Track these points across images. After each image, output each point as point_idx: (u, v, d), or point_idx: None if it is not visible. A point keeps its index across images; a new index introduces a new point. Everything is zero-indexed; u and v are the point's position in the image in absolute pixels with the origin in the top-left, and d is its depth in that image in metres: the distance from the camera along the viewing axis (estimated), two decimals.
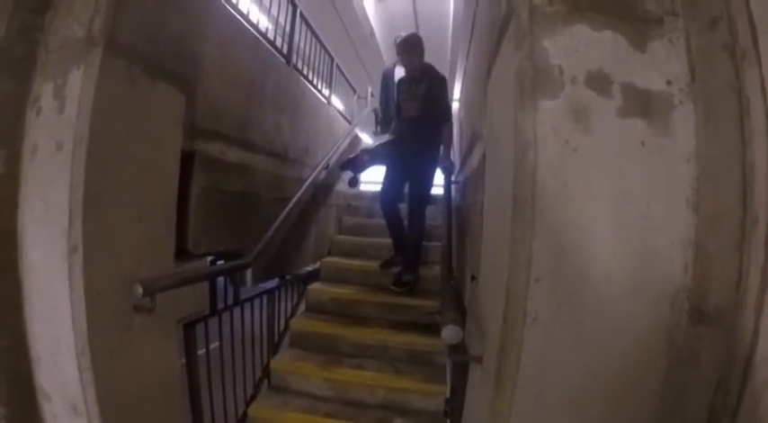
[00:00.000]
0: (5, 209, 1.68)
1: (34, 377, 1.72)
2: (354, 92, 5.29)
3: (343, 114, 4.82)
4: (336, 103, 4.66)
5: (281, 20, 3.16)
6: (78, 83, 1.53)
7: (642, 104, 0.95)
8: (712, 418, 0.89)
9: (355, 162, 3.75)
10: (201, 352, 2.04)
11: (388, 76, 3.95)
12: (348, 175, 3.98)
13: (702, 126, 0.94)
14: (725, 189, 0.89)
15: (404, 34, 3.18)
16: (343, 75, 4.86)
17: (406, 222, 3.23)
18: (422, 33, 3.59)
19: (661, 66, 0.97)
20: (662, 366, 0.94)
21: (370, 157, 3.67)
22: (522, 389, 0.95)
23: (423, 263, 3.28)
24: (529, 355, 0.94)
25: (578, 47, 0.96)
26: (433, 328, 2.44)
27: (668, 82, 0.96)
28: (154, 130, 1.76)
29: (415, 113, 3.12)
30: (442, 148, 3.21)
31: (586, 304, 0.93)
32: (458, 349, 1.65)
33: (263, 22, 2.91)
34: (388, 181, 3.29)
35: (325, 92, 4.20)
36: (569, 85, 0.95)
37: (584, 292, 0.93)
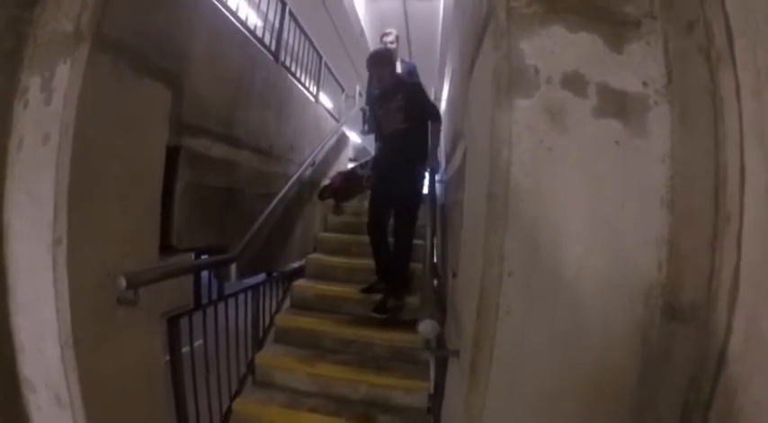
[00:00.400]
0: None
1: (18, 367, 1.71)
2: (343, 90, 5.26)
3: (330, 112, 4.79)
4: (324, 101, 4.63)
5: (270, 17, 3.13)
6: (65, 76, 1.52)
7: (618, 105, 0.95)
8: (686, 413, 0.90)
9: (334, 189, 3.34)
10: (187, 349, 2.02)
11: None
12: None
13: (678, 127, 0.95)
14: (698, 189, 0.89)
15: (372, 50, 3.14)
16: (332, 73, 4.83)
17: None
18: (412, 34, 3.60)
19: (637, 67, 0.97)
20: (637, 363, 0.95)
21: (350, 179, 3.35)
22: (495, 383, 0.95)
23: (410, 289, 2.99)
24: (502, 348, 0.95)
25: (554, 48, 0.96)
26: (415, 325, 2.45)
27: (644, 83, 0.97)
28: (139, 125, 1.75)
29: (396, 126, 2.94)
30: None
31: (560, 300, 0.94)
32: (439, 345, 1.65)
33: (253, 20, 2.89)
34: (374, 202, 3.06)
35: (313, 90, 4.17)
36: (545, 85, 0.95)
37: (557, 287, 0.94)
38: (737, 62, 0.83)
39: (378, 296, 2.87)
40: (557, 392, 0.96)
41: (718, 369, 0.84)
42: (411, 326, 2.55)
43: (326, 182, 3.71)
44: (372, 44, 5.25)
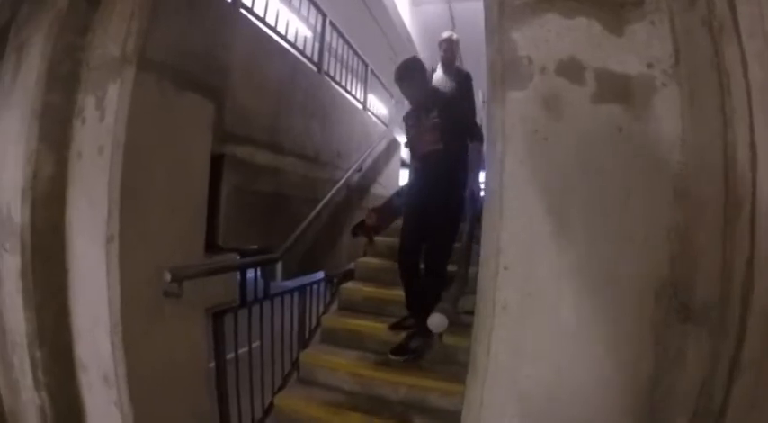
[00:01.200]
0: (56, 206, 1.89)
1: (74, 350, 1.92)
2: (392, 96, 5.32)
3: (380, 119, 4.86)
4: (373, 107, 4.71)
5: (310, 30, 3.25)
6: (115, 95, 1.70)
7: (619, 89, 0.89)
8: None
9: (368, 228, 3.08)
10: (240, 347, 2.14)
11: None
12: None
13: (688, 109, 0.87)
14: (710, 174, 0.82)
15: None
16: (379, 80, 4.90)
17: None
18: (460, 36, 3.56)
19: (641, 49, 0.90)
20: (648, 365, 0.87)
21: (385, 215, 3.07)
22: (493, 378, 0.93)
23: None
24: (499, 343, 0.92)
25: (548, 36, 0.92)
26: (460, 327, 2.42)
27: (649, 65, 0.90)
28: (184, 135, 1.90)
29: (431, 148, 2.55)
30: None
31: (560, 295, 0.89)
32: None
33: (294, 30, 3.01)
34: (406, 234, 2.69)
35: (360, 97, 4.26)
36: (538, 75, 0.92)
37: (556, 282, 0.89)
38: (741, 30, 0.76)
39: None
40: (560, 391, 0.91)
41: (731, 376, 0.76)
42: (454, 328, 2.54)
43: (363, 217, 3.22)
44: (422, 50, 5.27)
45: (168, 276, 1.61)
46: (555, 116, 0.90)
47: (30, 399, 1.97)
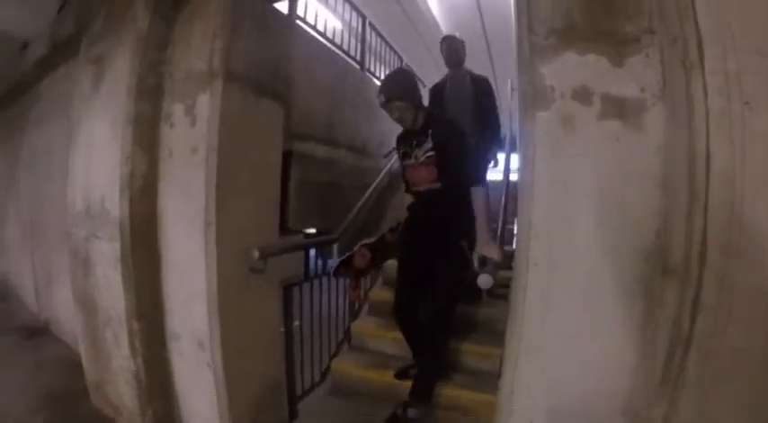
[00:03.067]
0: (149, 198, 2.30)
1: (166, 322, 2.33)
2: (424, 86, 5.63)
3: None
4: None
5: (351, 32, 3.61)
6: (206, 104, 2.08)
7: (618, 109, 1.26)
8: (671, 347, 1.16)
9: (356, 270, 2.56)
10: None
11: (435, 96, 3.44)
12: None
13: (669, 123, 1.22)
14: (680, 172, 1.17)
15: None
16: (413, 72, 5.24)
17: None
18: (488, 26, 3.70)
19: (637, 77, 1.26)
20: (642, 306, 1.24)
21: (378, 255, 2.58)
22: (528, 319, 1.33)
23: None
24: (533, 292, 1.32)
25: (566, 70, 1.29)
26: (498, 301, 2.86)
27: (642, 89, 1.25)
28: (262, 136, 2.32)
29: (428, 186, 2.26)
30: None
31: (574, 256, 1.28)
32: None
33: (340, 33, 3.38)
34: (402, 288, 2.44)
35: None
36: (559, 100, 1.29)
37: (573, 245, 1.28)
38: (706, 68, 1.08)
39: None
40: (577, 328, 1.30)
41: (693, 313, 1.10)
42: (491, 303, 2.94)
43: (349, 253, 2.65)
44: None
45: (257, 254, 2.03)
46: (570, 130, 1.27)
47: (123, 367, 2.41)
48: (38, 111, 4.49)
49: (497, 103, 3.40)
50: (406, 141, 2.35)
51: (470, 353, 2.73)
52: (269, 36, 2.38)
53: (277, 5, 2.50)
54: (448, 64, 3.42)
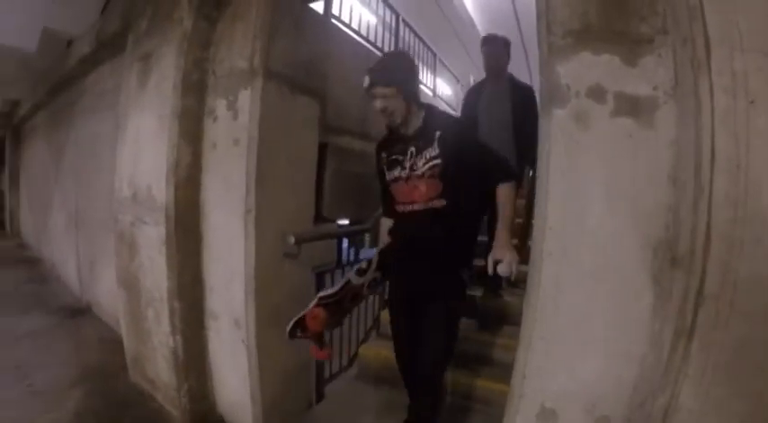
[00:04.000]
0: (192, 186, 2.55)
1: (205, 302, 2.57)
2: (458, 81, 5.76)
3: (448, 103, 5.34)
4: (441, 92, 5.18)
5: (385, 27, 3.77)
6: (248, 99, 2.30)
7: (631, 106, 1.35)
8: (674, 339, 1.25)
9: (313, 333, 1.85)
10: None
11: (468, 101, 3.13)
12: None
13: (680, 119, 1.30)
14: (687, 167, 1.25)
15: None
16: (447, 67, 5.36)
17: None
18: (521, 14, 3.67)
19: (649, 75, 1.34)
20: (650, 299, 1.34)
21: (340, 307, 1.89)
22: (542, 303, 1.45)
23: None
24: (547, 279, 1.44)
25: (582, 69, 1.39)
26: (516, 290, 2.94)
27: (654, 88, 1.33)
28: (299, 130, 2.52)
29: (426, 205, 1.84)
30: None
31: (586, 247, 1.39)
32: None
33: (372, 25, 3.54)
34: (400, 337, 2.11)
35: (431, 85, 4.76)
36: (574, 98, 1.40)
37: (583, 237, 1.39)
38: (713, 68, 1.17)
39: None
40: (586, 313, 1.41)
41: (696, 303, 1.19)
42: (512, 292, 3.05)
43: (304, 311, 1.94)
44: (483, 32, 5.60)
45: (292, 239, 2.22)
46: (584, 127, 1.38)
47: (162, 343, 2.66)
48: (82, 105, 4.89)
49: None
50: (396, 147, 1.93)
51: (497, 345, 2.86)
52: (305, 35, 2.57)
53: (313, 6, 2.69)
54: (486, 70, 3.08)
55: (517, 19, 5.61)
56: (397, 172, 1.92)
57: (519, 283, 2.79)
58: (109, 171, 3.42)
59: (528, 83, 3.10)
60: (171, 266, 2.52)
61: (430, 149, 1.82)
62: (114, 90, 3.68)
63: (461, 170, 1.79)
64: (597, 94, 1.38)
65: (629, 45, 1.37)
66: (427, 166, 1.82)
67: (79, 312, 4.62)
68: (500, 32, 3.14)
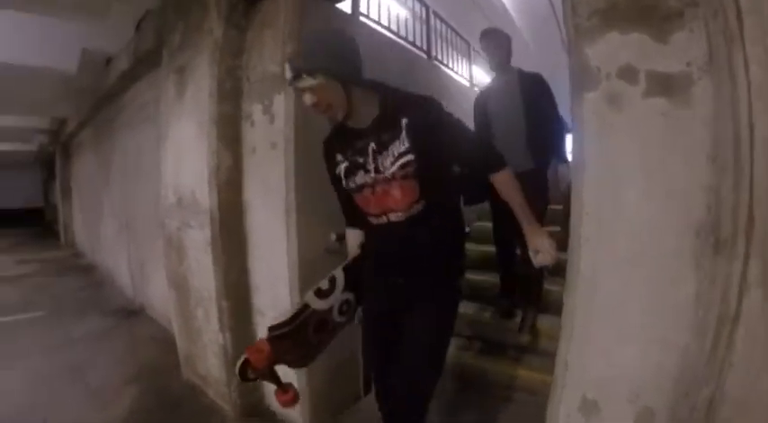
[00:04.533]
0: (234, 189, 2.69)
1: (252, 300, 2.70)
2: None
3: None
4: (478, 81, 5.16)
5: (415, 18, 3.79)
6: (282, 103, 2.41)
7: (664, 85, 1.32)
8: (718, 327, 1.23)
9: (255, 367, 1.56)
10: None
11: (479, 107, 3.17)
12: None
13: (716, 96, 1.27)
14: (726, 144, 1.23)
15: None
16: (481, 55, 5.33)
17: None
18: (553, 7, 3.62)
19: (681, 52, 1.29)
20: (692, 285, 1.30)
21: (293, 341, 1.64)
22: (581, 288, 1.47)
23: None
24: (585, 265, 1.45)
25: (611, 50, 1.39)
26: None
27: (688, 64, 1.29)
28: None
29: (404, 214, 1.55)
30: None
31: (622, 231, 1.39)
32: None
33: (405, 22, 3.58)
34: (375, 363, 1.80)
35: (466, 75, 4.75)
36: (605, 80, 1.39)
37: (619, 222, 1.39)
38: (746, 39, 1.15)
39: None
40: (624, 299, 1.41)
41: (740, 289, 1.17)
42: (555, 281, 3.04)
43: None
44: (518, 19, 5.52)
45: (333, 236, 2.30)
46: (617, 109, 1.38)
47: (212, 340, 2.81)
48: (124, 118, 5.23)
49: (555, 102, 2.92)
50: (352, 146, 1.59)
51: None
52: None
53: (340, 6, 2.76)
54: (491, 65, 3.09)
55: (551, 2, 5.52)
56: (359, 178, 1.58)
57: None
58: (153, 178, 3.64)
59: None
60: (217, 267, 2.67)
61: (397, 143, 1.49)
62: (153, 102, 3.93)
63: (440, 162, 1.55)
64: (628, 74, 1.37)
65: (659, 21, 1.34)
66: (397, 165, 1.49)
67: (133, 314, 4.93)
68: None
